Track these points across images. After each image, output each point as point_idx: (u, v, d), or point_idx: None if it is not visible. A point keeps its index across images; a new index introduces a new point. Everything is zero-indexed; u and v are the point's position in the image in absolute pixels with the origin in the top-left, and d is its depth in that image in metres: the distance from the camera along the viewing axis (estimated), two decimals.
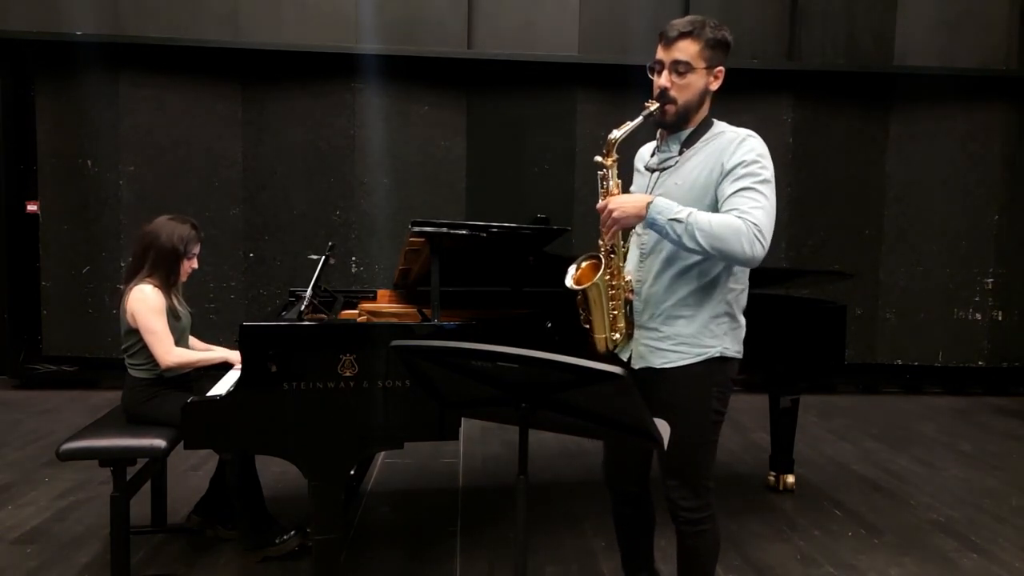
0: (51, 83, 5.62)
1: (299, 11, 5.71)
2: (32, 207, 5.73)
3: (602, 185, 2.01)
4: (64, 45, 5.50)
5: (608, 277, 2.03)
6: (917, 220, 6.14)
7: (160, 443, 2.65)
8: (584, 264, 2.07)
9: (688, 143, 2.03)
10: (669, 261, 2.01)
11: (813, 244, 6.10)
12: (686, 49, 1.93)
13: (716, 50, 1.97)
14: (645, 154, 2.20)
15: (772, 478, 3.84)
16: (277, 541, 2.90)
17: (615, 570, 2.84)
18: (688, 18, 1.96)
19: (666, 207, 1.87)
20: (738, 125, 2.12)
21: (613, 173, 1.99)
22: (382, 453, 4.12)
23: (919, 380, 6.29)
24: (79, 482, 3.70)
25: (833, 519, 3.50)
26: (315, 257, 3.30)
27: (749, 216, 1.85)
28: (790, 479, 3.81)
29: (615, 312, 2.05)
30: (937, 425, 5.28)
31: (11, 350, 5.75)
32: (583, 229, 5.60)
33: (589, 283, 2.00)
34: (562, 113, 5.92)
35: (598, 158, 1.99)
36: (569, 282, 2.03)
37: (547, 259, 3.13)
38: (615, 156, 2.00)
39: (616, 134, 1.95)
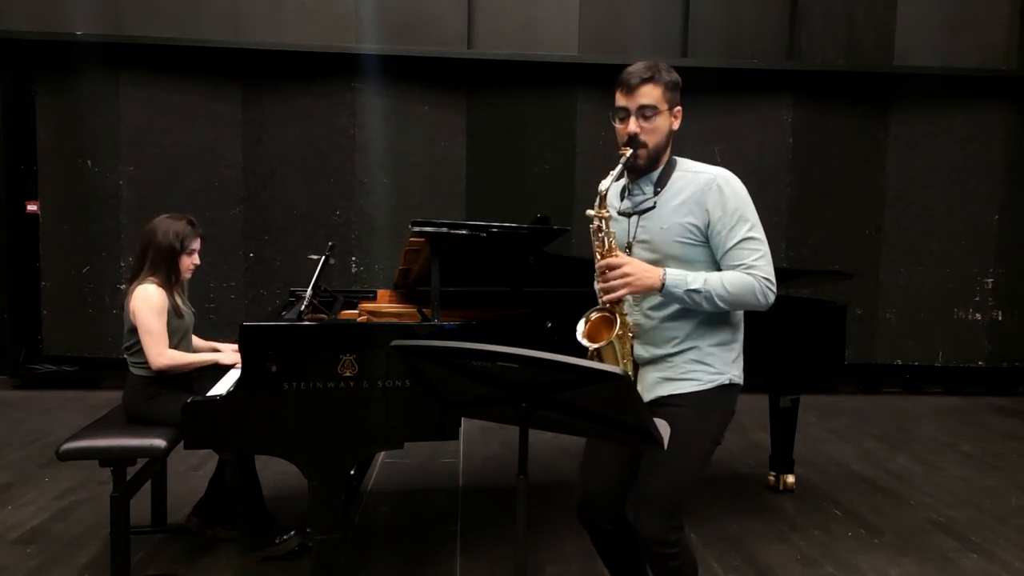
0: (51, 83, 5.62)
1: (299, 11, 5.71)
2: (32, 207, 5.73)
3: (596, 238, 1.99)
4: (64, 45, 5.50)
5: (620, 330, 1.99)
6: (917, 220, 6.14)
7: (160, 443, 2.65)
8: (594, 317, 1.99)
9: (660, 183, 2.06)
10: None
11: (813, 244, 6.10)
12: (650, 93, 1.98)
13: (674, 91, 2.03)
14: (612, 199, 2.17)
15: (772, 478, 3.84)
16: (277, 541, 2.90)
17: None
18: (643, 64, 2.01)
19: (680, 279, 1.93)
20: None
21: (608, 225, 1.99)
22: (382, 453, 4.12)
23: (919, 380, 6.29)
24: (79, 482, 3.70)
25: (833, 519, 3.50)
26: (315, 257, 3.30)
27: (756, 269, 1.95)
28: (790, 479, 3.81)
29: (625, 360, 2.02)
30: (937, 425, 5.28)
31: (11, 350, 5.75)
32: (583, 229, 5.57)
33: (605, 342, 1.95)
34: (562, 113, 5.92)
35: (591, 212, 1.98)
36: (582, 340, 1.96)
37: (547, 259, 3.13)
38: (608, 208, 1.99)
39: (605, 185, 1.95)
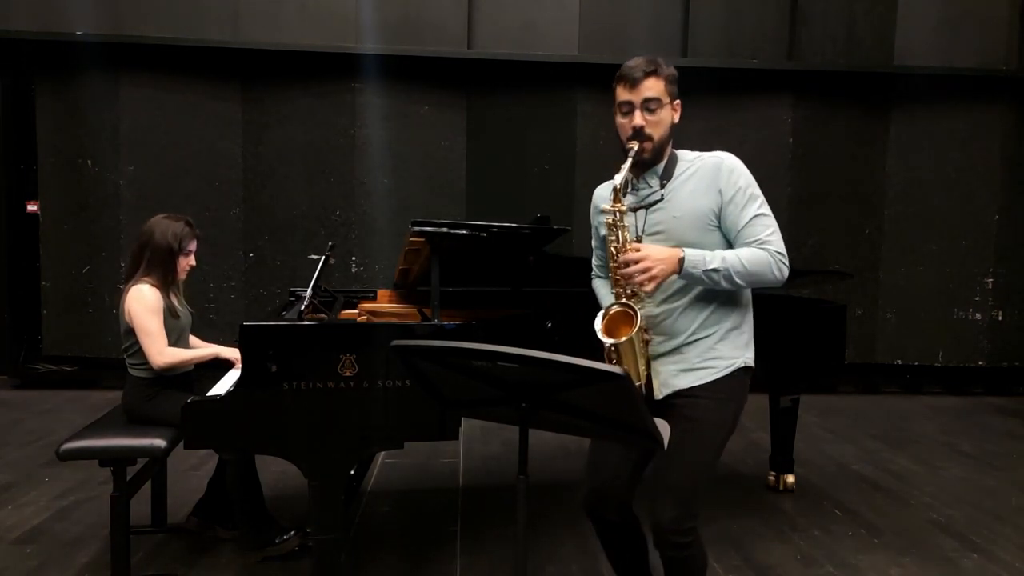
0: (51, 83, 5.62)
1: (299, 11, 5.71)
2: (32, 207, 5.73)
3: (612, 232, 2.00)
4: (64, 45, 5.50)
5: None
6: (917, 220, 6.14)
7: (160, 443, 2.65)
8: (613, 311, 1.98)
9: (667, 175, 2.07)
10: (685, 289, 2.03)
11: (813, 244, 6.10)
12: (653, 87, 2.00)
13: (674, 84, 2.05)
14: (607, 196, 2.13)
15: (772, 478, 3.84)
16: (277, 541, 2.90)
17: None
18: (643, 59, 2.02)
19: (699, 259, 1.95)
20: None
21: (623, 219, 2.00)
22: (382, 453, 4.12)
23: (919, 380, 6.29)
24: (79, 482, 3.70)
25: (833, 519, 3.50)
26: (315, 257, 3.30)
27: (770, 244, 2.01)
28: (790, 479, 3.81)
29: (644, 357, 2.03)
30: (937, 425, 5.28)
31: (11, 350, 5.75)
32: (583, 229, 5.59)
33: (625, 337, 1.95)
34: (562, 113, 5.92)
35: (605, 206, 2.00)
36: (601, 336, 1.96)
37: (547, 259, 3.13)
38: (623, 202, 2.01)
39: (618, 180, 1.97)
